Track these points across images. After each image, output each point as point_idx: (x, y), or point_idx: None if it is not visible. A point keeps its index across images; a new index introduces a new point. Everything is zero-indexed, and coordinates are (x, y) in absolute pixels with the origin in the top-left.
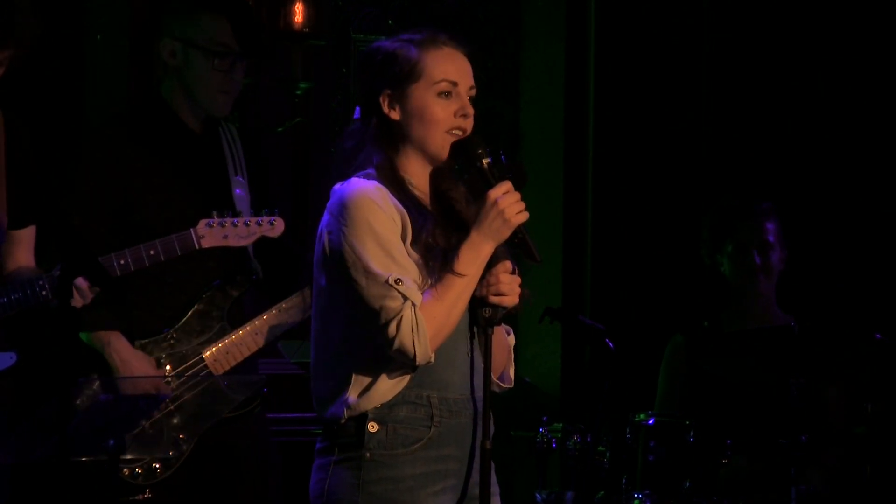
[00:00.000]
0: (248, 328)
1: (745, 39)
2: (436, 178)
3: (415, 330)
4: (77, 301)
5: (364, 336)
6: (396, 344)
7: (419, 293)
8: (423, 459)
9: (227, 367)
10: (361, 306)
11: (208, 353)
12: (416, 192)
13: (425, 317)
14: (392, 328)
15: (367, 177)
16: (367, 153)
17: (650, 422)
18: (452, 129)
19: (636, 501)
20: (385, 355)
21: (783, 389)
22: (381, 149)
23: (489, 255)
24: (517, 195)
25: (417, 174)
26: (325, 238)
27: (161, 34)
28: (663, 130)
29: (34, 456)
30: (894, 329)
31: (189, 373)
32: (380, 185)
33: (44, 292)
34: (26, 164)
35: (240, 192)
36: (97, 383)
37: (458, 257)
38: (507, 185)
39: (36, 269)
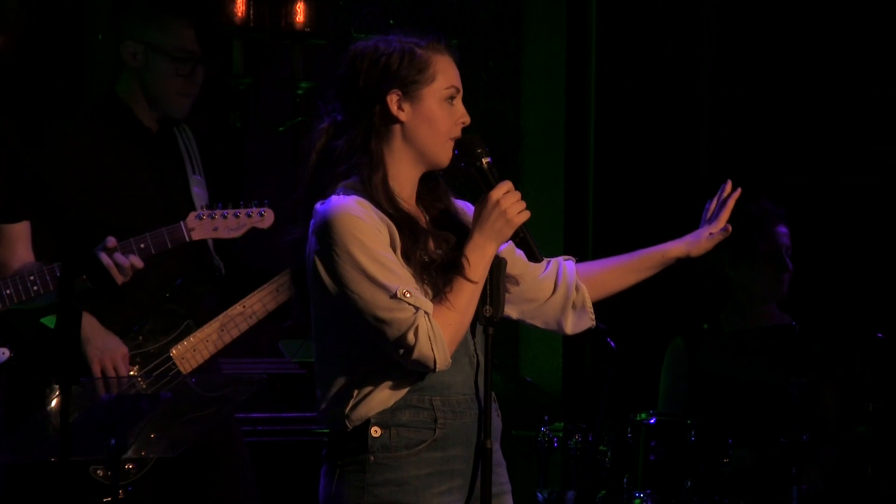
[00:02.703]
0: (214, 325)
1: (747, 37)
2: (425, 183)
3: (432, 337)
4: (118, 278)
5: (361, 347)
6: (416, 354)
7: (428, 300)
8: (428, 460)
9: (195, 365)
10: (368, 322)
11: (175, 351)
12: (404, 204)
13: (441, 323)
14: (410, 338)
15: (349, 188)
16: (358, 159)
17: (651, 421)
18: (453, 135)
19: (637, 501)
20: (383, 365)
21: (784, 389)
22: (378, 151)
23: (493, 256)
24: (518, 194)
25: (404, 181)
26: (316, 261)
27: (122, 35)
28: (664, 129)
29: (31, 456)
30: (894, 329)
31: (157, 371)
32: (360, 199)
33: (35, 287)
34: (17, 160)
35: (198, 190)
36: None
37: (467, 262)
38: (507, 185)
39: (39, 263)
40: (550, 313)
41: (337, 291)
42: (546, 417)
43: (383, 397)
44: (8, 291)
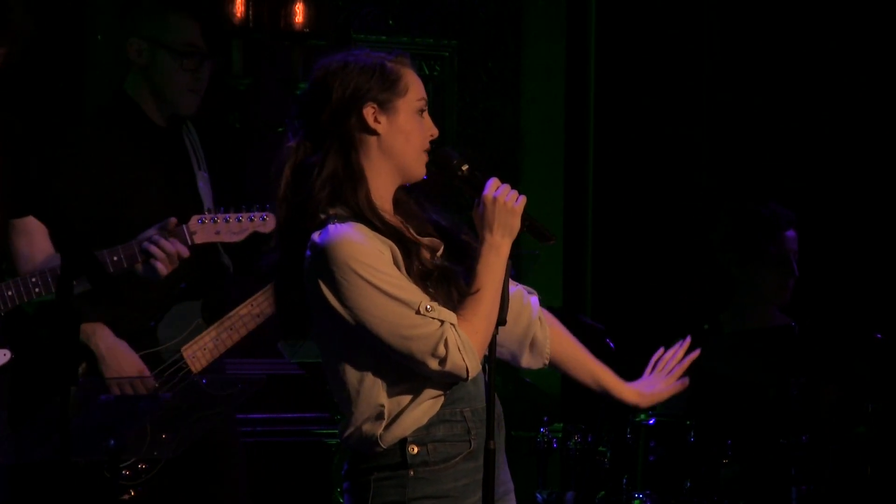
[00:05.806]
0: (223, 323)
1: (747, 38)
2: (400, 196)
3: (461, 346)
4: (163, 270)
5: (386, 370)
6: (448, 366)
7: (450, 311)
8: (465, 471)
9: (206, 364)
10: (394, 342)
11: (187, 350)
12: (389, 218)
13: (468, 332)
14: (440, 350)
15: (341, 218)
16: (340, 178)
17: (651, 422)
18: (426, 149)
19: (637, 501)
20: (411, 384)
21: (784, 389)
22: (358, 164)
23: (508, 253)
24: (507, 185)
25: (384, 196)
26: (326, 294)
27: (128, 32)
28: (664, 130)
29: (33, 457)
30: (894, 329)
31: (169, 371)
32: (355, 224)
33: (37, 289)
34: (22, 159)
35: (202, 186)
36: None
37: (486, 266)
38: (495, 181)
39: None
40: (508, 343)
41: (355, 320)
42: (545, 418)
43: (417, 415)
44: (10, 293)
